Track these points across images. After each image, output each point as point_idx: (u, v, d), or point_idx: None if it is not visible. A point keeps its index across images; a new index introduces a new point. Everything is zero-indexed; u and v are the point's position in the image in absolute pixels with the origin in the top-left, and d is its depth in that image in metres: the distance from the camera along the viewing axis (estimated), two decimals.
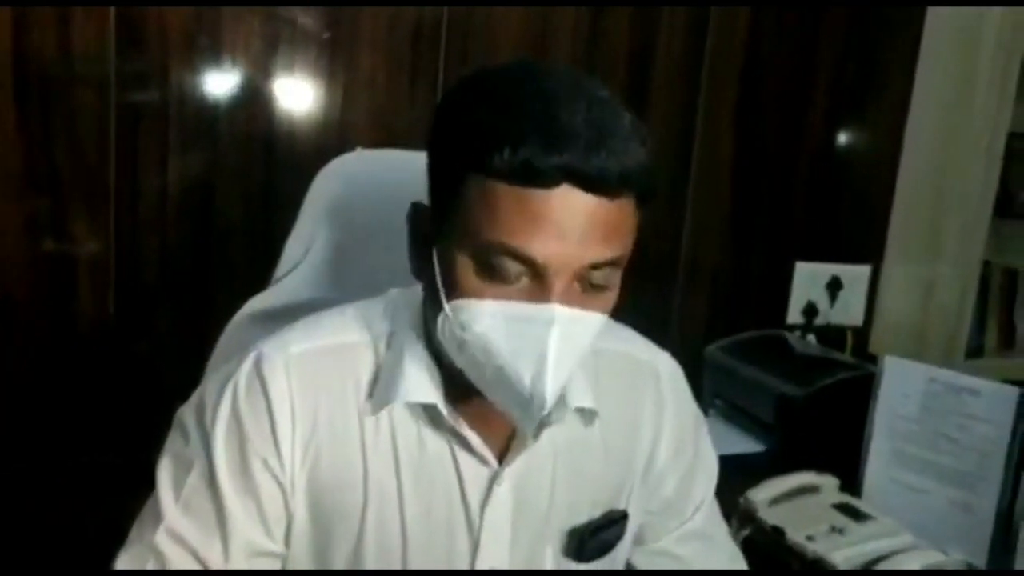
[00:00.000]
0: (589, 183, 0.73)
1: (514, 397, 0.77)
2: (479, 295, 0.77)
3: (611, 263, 0.78)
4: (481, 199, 0.75)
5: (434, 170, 0.82)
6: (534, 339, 0.75)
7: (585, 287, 0.78)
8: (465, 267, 0.77)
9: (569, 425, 0.90)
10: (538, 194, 0.73)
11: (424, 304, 0.86)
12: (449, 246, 0.78)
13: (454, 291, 0.78)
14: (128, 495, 0.89)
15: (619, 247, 0.78)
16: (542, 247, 0.74)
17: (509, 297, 0.76)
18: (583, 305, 0.77)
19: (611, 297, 0.81)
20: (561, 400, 0.87)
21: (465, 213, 0.76)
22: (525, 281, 0.76)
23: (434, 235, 0.82)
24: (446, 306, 0.79)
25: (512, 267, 0.75)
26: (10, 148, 1.51)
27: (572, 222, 0.74)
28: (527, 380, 0.76)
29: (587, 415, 0.91)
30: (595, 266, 0.76)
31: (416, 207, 0.86)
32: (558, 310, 0.75)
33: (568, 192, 0.73)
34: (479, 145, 0.75)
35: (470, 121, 0.77)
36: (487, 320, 0.77)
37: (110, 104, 1.55)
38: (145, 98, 1.57)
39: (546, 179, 0.73)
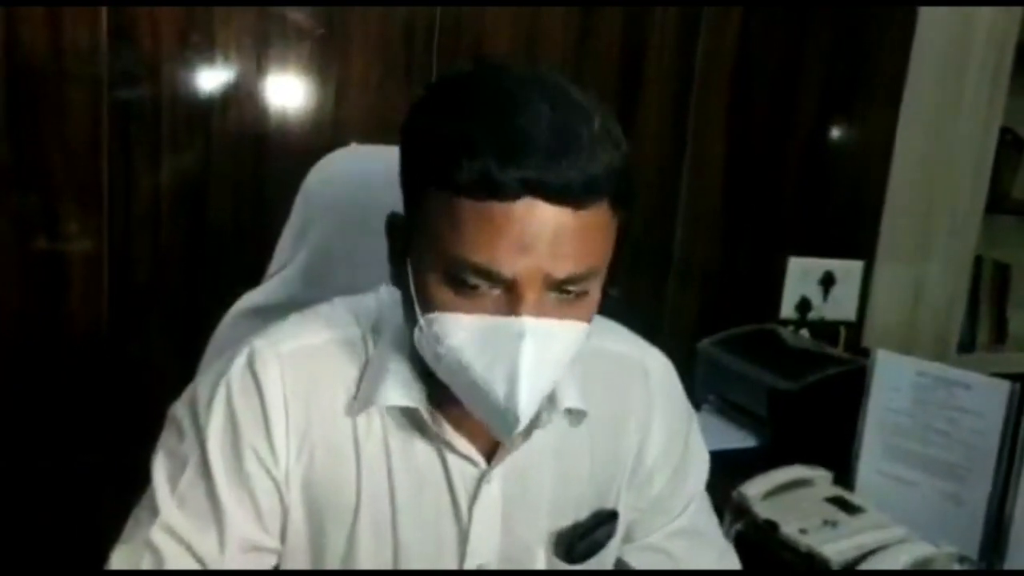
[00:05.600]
0: (552, 194, 0.71)
1: (489, 409, 0.77)
2: (451, 309, 0.76)
3: (584, 276, 0.76)
4: (443, 214, 0.74)
5: (403, 181, 0.81)
6: (505, 353, 0.74)
7: (559, 296, 0.76)
8: (435, 281, 0.76)
9: (558, 425, 0.90)
10: (499, 207, 0.71)
11: (404, 314, 0.85)
12: (420, 259, 0.78)
13: (427, 304, 0.78)
14: (122, 494, 0.89)
15: (592, 259, 0.76)
16: (508, 262, 0.73)
17: (481, 310, 0.75)
18: (560, 315, 0.76)
19: (590, 304, 0.79)
20: (551, 401, 0.87)
21: (430, 227, 0.76)
22: (495, 294, 0.75)
23: (408, 245, 0.81)
24: (421, 319, 0.78)
25: (480, 282, 0.74)
26: (2, 146, 1.50)
27: (537, 234, 0.72)
28: (500, 394, 0.75)
29: (576, 415, 0.91)
30: (568, 280, 0.75)
31: (393, 217, 0.85)
32: (528, 323, 0.74)
33: (531, 204, 0.71)
34: (437, 159, 0.73)
35: (428, 134, 0.76)
36: (460, 334, 0.76)
37: (102, 102, 1.54)
38: (137, 96, 1.57)
39: (506, 192, 0.71)
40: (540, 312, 0.75)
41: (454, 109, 0.76)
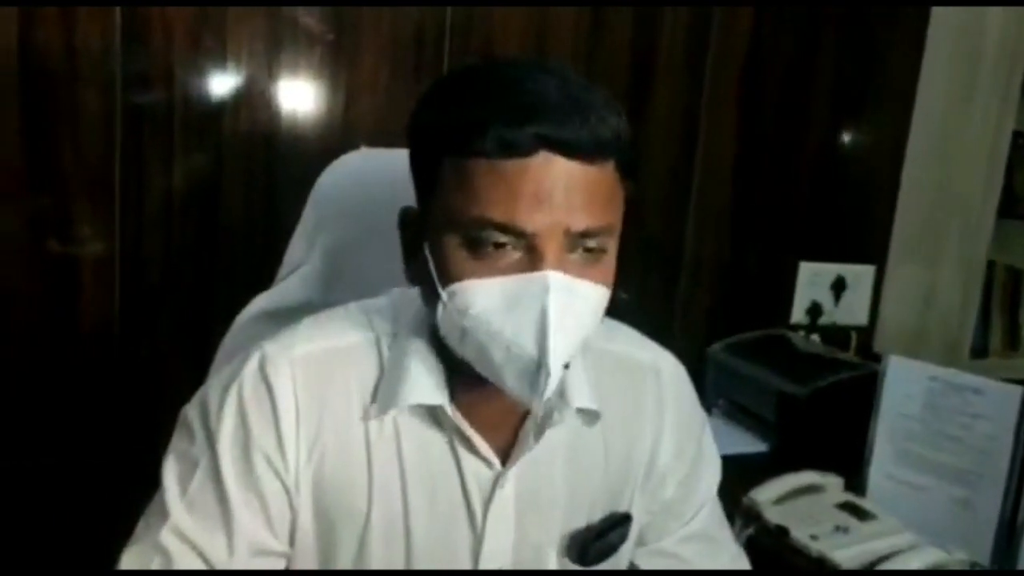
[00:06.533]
0: (566, 148, 0.74)
1: (521, 371, 0.76)
2: (472, 274, 0.77)
3: (601, 231, 0.77)
4: (459, 181, 0.76)
5: (415, 165, 0.83)
6: (532, 309, 0.75)
7: (580, 256, 0.77)
8: (454, 250, 0.77)
9: (571, 426, 0.90)
10: (516, 164, 0.74)
11: (424, 304, 0.86)
12: (437, 235, 0.79)
13: (447, 276, 0.78)
14: (133, 494, 0.89)
15: (606, 214, 0.77)
16: (527, 216, 0.74)
17: (503, 272, 0.76)
18: (581, 275, 0.77)
19: (609, 267, 0.80)
20: (564, 400, 0.87)
21: (447, 196, 0.77)
22: (516, 255, 0.76)
23: (423, 231, 0.82)
24: (443, 294, 0.78)
25: (499, 240, 0.75)
26: (15, 148, 1.51)
27: (554, 188, 0.74)
28: (533, 350, 0.75)
29: (589, 416, 0.91)
30: (584, 234, 0.76)
31: (404, 211, 0.86)
32: (552, 276, 0.75)
33: (546, 159, 0.74)
34: (453, 129, 0.76)
35: (443, 109, 0.79)
36: (484, 300, 0.76)
37: (115, 104, 1.55)
38: (150, 98, 1.57)
39: (521, 148, 0.73)
40: (561, 269, 0.75)
41: (464, 89, 0.79)
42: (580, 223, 0.75)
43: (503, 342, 0.76)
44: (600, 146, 0.75)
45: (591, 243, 0.77)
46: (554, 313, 0.74)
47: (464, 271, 0.77)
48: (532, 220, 0.74)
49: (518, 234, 0.75)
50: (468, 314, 0.77)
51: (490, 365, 0.79)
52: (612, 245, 0.80)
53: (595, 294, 0.79)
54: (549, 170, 0.74)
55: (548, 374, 0.75)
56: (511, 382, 0.78)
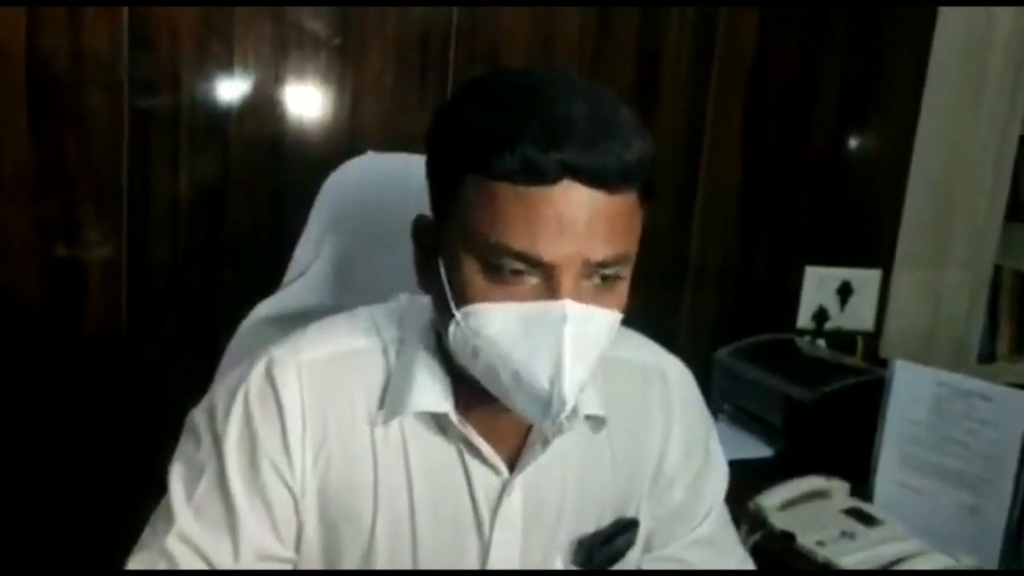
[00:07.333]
0: (590, 177, 0.73)
1: (533, 398, 0.77)
2: (488, 298, 0.76)
3: (617, 261, 0.77)
4: (481, 200, 0.75)
5: (434, 176, 0.82)
6: (548, 338, 0.75)
7: (595, 283, 0.77)
8: (471, 270, 0.77)
9: (578, 433, 0.90)
10: (539, 191, 0.73)
11: (434, 314, 0.86)
12: (454, 252, 0.78)
13: (463, 297, 0.78)
14: (140, 499, 0.89)
15: (625, 243, 0.77)
16: (546, 246, 0.74)
17: (519, 297, 0.76)
18: (595, 301, 0.77)
19: (623, 292, 0.80)
20: (572, 410, 0.87)
21: (466, 216, 0.77)
22: (533, 281, 0.76)
23: (438, 243, 0.81)
24: (456, 313, 0.78)
25: (518, 267, 0.75)
26: (22, 152, 1.51)
27: (575, 218, 0.74)
28: (545, 381, 0.75)
29: (596, 422, 0.91)
30: (603, 264, 0.76)
31: (419, 220, 0.86)
32: (570, 307, 0.75)
33: (569, 188, 0.73)
34: (477, 145, 0.75)
35: (467, 123, 0.77)
36: (499, 324, 0.76)
37: (122, 108, 1.55)
38: (157, 102, 1.58)
39: (546, 176, 0.73)
40: (577, 298, 0.75)
41: (492, 101, 0.78)
42: (599, 254, 0.75)
43: (516, 367, 0.76)
44: (624, 175, 0.75)
45: (608, 272, 0.77)
46: (569, 342, 0.75)
47: (480, 293, 0.77)
48: (551, 250, 0.74)
49: (537, 263, 0.75)
50: (482, 335, 0.77)
51: (501, 386, 0.79)
52: (627, 271, 0.80)
53: (609, 320, 0.79)
54: (571, 199, 0.74)
55: (563, 402, 0.76)
56: (522, 405, 0.79)
